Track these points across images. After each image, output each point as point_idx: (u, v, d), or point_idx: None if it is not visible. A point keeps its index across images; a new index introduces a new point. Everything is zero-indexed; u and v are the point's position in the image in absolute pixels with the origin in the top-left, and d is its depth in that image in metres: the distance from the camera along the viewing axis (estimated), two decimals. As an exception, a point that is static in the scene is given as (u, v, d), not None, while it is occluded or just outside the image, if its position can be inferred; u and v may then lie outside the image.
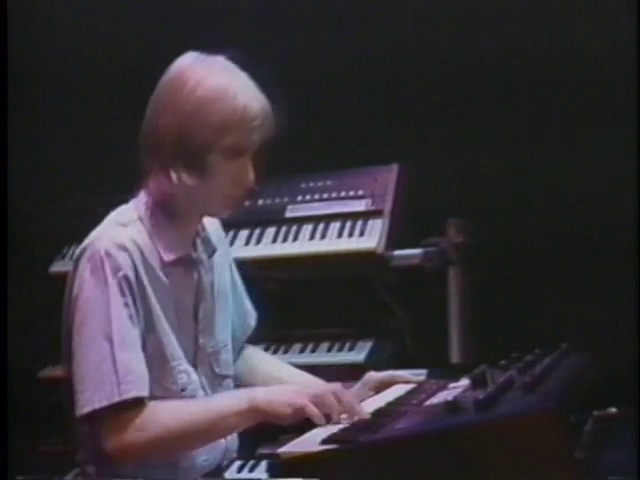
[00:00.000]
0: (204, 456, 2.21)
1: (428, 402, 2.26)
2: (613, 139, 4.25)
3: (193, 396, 2.16)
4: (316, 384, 2.40)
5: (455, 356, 3.78)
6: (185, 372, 2.16)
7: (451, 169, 4.52)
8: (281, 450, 1.94)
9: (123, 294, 2.03)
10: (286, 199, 3.99)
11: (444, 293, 3.89)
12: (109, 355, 1.99)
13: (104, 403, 1.98)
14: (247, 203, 3.69)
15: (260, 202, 3.96)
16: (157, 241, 2.14)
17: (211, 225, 2.35)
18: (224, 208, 2.22)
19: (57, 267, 4.07)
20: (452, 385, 2.46)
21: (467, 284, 3.97)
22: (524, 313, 4.12)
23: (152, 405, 2.02)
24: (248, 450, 3.22)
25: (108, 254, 2.04)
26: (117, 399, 1.98)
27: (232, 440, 2.31)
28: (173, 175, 2.10)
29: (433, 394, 2.35)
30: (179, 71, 2.17)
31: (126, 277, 2.04)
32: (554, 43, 4.24)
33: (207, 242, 2.31)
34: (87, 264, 2.06)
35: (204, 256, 2.28)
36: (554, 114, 4.37)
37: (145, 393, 2.02)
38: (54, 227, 4.13)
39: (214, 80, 2.12)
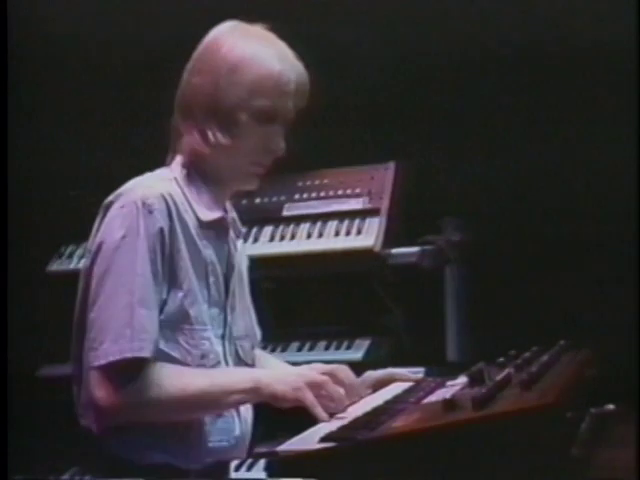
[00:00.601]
0: (218, 436, 2.19)
1: (426, 400, 2.26)
2: (611, 135, 4.26)
3: (214, 367, 2.13)
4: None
5: (452, 354, 3.79)
6: (208, 340, 2.13)
7: (448, 167, 4.53)
8: (280, 448, 1.95)
9: (153, 249, 1.99)
10: (283, 197, 4.00)
11: (441, 291, 3.90)
12: (128, 309, 1.97)
13: (117, 357, 1.97)
14: (244, 201, 3.72)
15: (257, 200, 3.96)
16: (193, 201, 2.14)
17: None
18: (252, 176, 2.22)
19: (55, 266, 4.08)
20: (450, 383, 2.47)
21: (464, 282, 3.98)
22: (521, 310, 4.13)
23: (158, 367, 2.00)
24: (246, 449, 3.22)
25: (145, 203, 2.02)
26: (129, 355, 1.97)
27: (247, 427, 2.30)
28: (208, 133, 2.11)
29: (431, 392, 2.36)
30: (216, 35, 2.20)
31: (161, 230, 2.01)
32: (552, 41, 4.25)
33: (235, 223, 2.32)
34: (120, 210, 2.03)
35: (233, 235, 2.29)
36: (551, 112, 4.38)
37: (149, 355, 1.99)
38: (52, 226, 4.14)
39: (251, 44, 2.15)
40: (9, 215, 2.71)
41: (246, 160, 2.18)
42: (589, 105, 4.22)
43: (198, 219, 2.12)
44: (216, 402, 2.07)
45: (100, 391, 1.97)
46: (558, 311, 4.09)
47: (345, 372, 2.29)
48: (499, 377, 2.11)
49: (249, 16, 2.26)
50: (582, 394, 2.26)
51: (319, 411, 2.09)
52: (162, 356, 2.04)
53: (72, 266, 4.00)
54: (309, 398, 2.06)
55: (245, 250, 2.49)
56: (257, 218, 3.91)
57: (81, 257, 4.00)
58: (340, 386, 2.21)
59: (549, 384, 2.03)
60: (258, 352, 2.59)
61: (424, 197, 4.12)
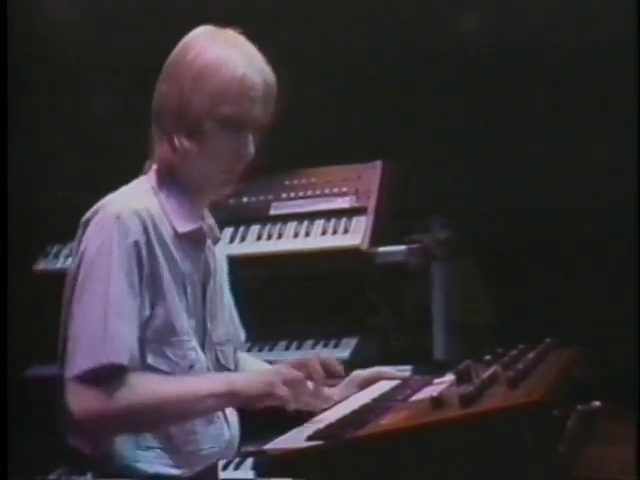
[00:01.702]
0: (209, 443, 2.19)
1: (413, 398, 2.27)
2: (600, 132, 4.27)
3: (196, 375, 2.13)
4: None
5: (439, 352, 3.80)
6: (194, 350, 2.14)
7: (435, 166, 4.54)
8: (268, 447, 1.95)
9: (128, 261, 2.00)
10: (270, 196, 3.99)
11: (428, 289, 3.90)
12: (102, 320, 1.97)
13: (90, 365, 1.96)
14: (231, 201, 3.71)
15: (244, 199, 3.96)
16: (170, 212, 2.14)
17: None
18: (224, 183, 2.22)
19: (41, 265, 4.07)
20: (437, 381, 2.47)
21: (450, 280, 3.99)
22: (508, 308, 4.14)
23: (131, 376, 2.00)
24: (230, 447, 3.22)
25: (119, 218, 2.02)
26: (103, 362, 1.96)
27: (235, 431, 2.30)
28: (175, 141, 2.11)
29: (418, 390, 2.36)
30: (185, 41, 2.20)
31: (136, 243, 2.01)
32: (547, 38, 4.26)
33: (212, 229, 2.32)
34: (95, 226, 2.05)
35: (209, 241, 2.28)
36: (538, 109, 4.39)
37: (126, 362, 1.99)
38: (38, 225, 4.13)
39: (216, 50, 2.14)
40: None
41: (215, 168, 2.17)
42: (578, 100, 4.23)
43: (175, 230, 2.12)
44: (192, 408, 2.06)
45: (76, 403, 1.97)
46: (544, 309, 4.10)
47: (316, 363, 2.26)
48: (486, 375, 2.11)
49: (228, 20, 2.26)
50: (568, 391, 2.26)
51: (293, 406, 2.09)
52: (150, 371, 2.04)
53: (59, 265, 3.99)
54: (283, 394, 2.06)
55: (225, 250, 2.49)
56: (244, 217, 3.91)
57: (67, 256, 3.99)
58: (315, 376, 2.20)
59: (536, 382, 2.03)
60: (242, 355, 2.59)
61: (411, 196, 4.13)
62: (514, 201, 4.49)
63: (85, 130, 4.29)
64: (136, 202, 2.09)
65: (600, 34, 4.07)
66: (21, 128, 3.67)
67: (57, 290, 2.24)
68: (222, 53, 2.15)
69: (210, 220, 2.32)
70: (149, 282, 2.05)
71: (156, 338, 2.06)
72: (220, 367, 2.26)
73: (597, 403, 2.34)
